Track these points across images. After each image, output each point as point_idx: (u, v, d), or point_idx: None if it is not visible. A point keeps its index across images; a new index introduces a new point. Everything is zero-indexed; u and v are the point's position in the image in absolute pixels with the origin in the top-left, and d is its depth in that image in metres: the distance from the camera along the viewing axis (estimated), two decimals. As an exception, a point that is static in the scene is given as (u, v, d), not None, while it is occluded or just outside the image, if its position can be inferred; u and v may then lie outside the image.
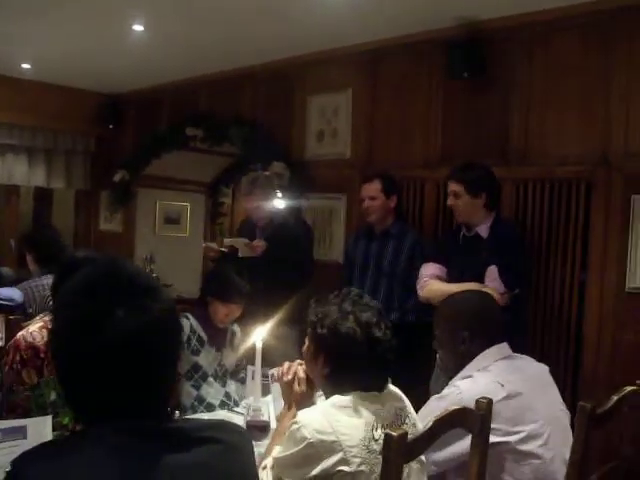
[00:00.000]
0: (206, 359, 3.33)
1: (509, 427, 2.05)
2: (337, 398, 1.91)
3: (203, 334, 3.35)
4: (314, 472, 1.82)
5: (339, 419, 1.84)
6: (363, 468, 1.80)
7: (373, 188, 4.13)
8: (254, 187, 4.37)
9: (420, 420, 2.06)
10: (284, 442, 1.92)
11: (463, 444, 2.08)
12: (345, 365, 1.97)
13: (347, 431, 1.82)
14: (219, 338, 3.42)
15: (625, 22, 3.58)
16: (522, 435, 2.19)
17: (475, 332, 2.39)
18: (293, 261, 4.17)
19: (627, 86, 3.56)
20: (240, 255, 4.26)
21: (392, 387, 2.07)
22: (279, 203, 4.53)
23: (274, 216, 4.45)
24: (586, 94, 3.72)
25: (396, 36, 4.46)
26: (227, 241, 4.51)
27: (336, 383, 2.00)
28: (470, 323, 2.41)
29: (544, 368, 2.49)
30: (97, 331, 1.16)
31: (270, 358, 2.87)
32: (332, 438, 1.81)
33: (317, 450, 1.81)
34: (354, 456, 1.80)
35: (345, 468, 1.79)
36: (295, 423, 1.87)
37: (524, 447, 2.20)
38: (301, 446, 1.82)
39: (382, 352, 1.97)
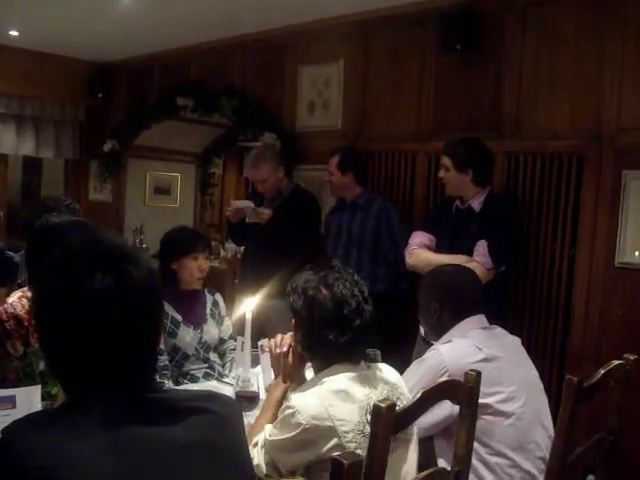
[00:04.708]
0: (184, 340, 3.23)
1: (486, 388, 2.08)
2: (330, 382, 1.89)
3: (176, 314, 3.24)
4: (309, 457, 1.82)
5: (334, 404, 1.83)
6: (359, 453, 1.80)
7: (331, 162, 4.25)
8: (259, 160, 4.32)
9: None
10: (278, 425, 1.90)
11: (445, 406, 2.14)
12: (314, 326, 1.95)
13: (342, 416, 1.81)
14: (195, 315, 3.33)
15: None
16: (502, 396, 2.29)
17: (444, 304, 2.51)
18: (296, 235, 4.14)
19: (620, 60, 3.53)
20: (247, 220, 4.26)
21: (383, 367, 2.06)
22: (285, 176, 4.46)
23: (283, 188, 4.43)
24: (579, 67, 3.70)
25: (389, 7, 4.40)
26: (236, 203, 4.49)
27: (310, 348, 2.00)
28: (439, 295, 2.54)
29: (517, 339, 2.61)
30: (76, 291, 1.16)
31: (264, 330, 2.86)
32: (328, 424, 1.80)
33: (312, 436, 1.80)
34: (349, 441, 1.80)
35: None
36: (290, 407, 1.85)
37: (505, 407, 2.28)
38: (296, 432, 1.81)
39: (349, 313, 1.93)
